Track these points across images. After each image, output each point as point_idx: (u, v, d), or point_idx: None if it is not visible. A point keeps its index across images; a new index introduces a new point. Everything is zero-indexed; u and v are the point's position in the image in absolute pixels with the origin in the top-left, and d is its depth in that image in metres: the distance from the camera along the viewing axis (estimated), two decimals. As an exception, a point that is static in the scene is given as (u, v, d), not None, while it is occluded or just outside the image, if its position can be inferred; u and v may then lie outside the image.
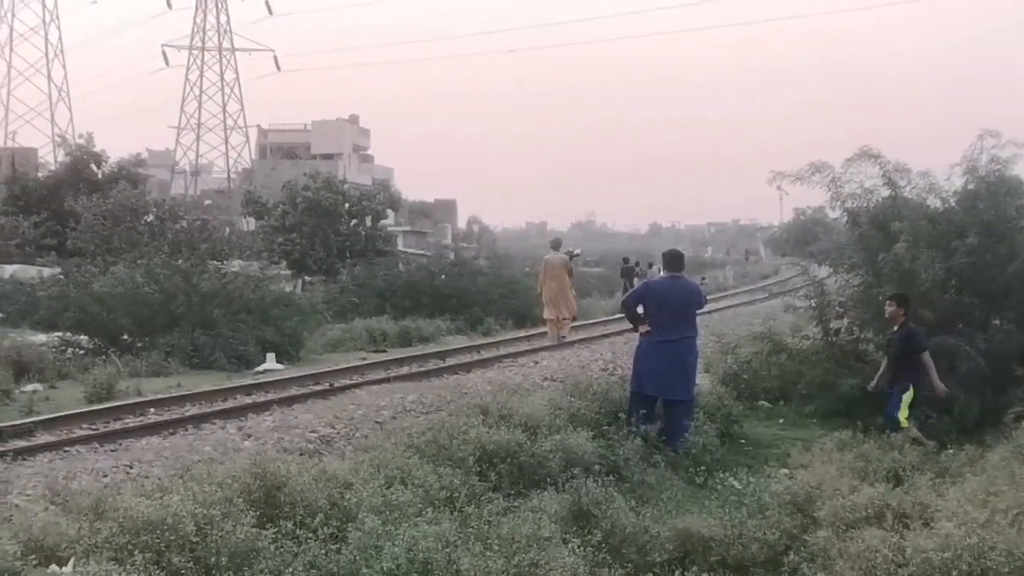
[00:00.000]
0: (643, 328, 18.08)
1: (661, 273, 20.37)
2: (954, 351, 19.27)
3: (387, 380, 24.43)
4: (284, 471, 11.47)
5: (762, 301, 43.82)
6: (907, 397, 17.52)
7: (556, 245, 36.02)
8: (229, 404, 21.63)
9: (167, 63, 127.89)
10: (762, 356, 23.25)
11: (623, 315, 21.25)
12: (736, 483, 14.63)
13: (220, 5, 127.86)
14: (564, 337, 33.15)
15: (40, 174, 75.85)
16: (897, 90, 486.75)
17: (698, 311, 18.80)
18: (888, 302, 18.49)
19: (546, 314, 33.78)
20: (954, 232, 20.46)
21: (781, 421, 20.55)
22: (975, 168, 20.94)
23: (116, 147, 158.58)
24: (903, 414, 17.41)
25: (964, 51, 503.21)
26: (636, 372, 18.08)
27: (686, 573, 10.94)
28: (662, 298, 17.99)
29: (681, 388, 17.72)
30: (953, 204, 21.44)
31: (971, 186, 21.09)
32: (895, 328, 18.18)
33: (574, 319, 34.65)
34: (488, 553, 10.16)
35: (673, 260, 18.75)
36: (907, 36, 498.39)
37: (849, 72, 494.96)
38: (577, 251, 41.71)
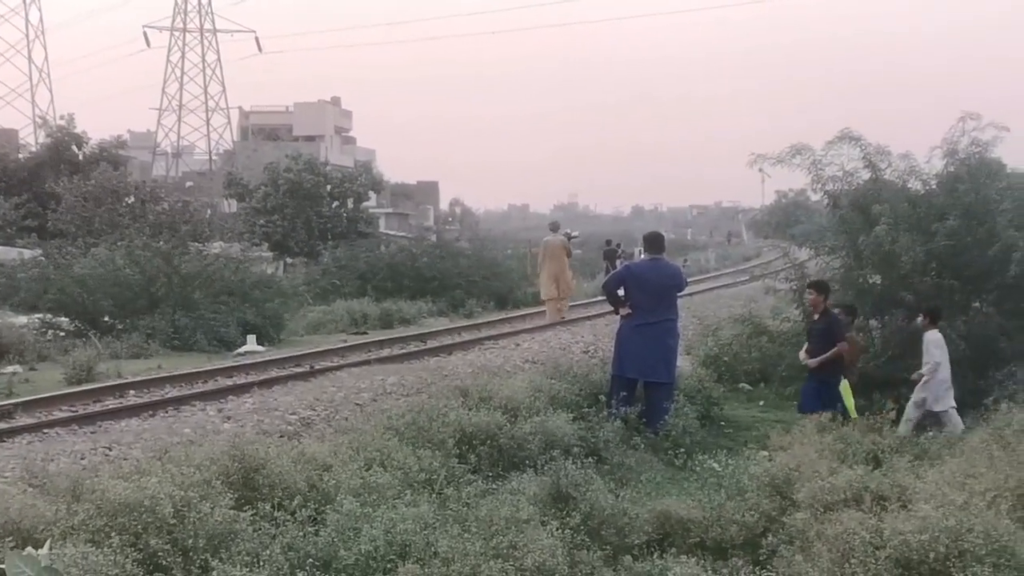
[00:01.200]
0: (624, 311, 18.09)
1: (642, 255, 20.38)
2: (934, 333, 19.31)
3: (368, 362, 24.45)
4: (263, 453, 11.46)
5: (743, 283, 43.96)
6: (844, 388, 17.55)
7: (555, 227, 36.87)
8: (209, 386, 21.63)
9: (148, 44, 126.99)
10: (743, 338, 23.33)
11: (604, 297, 21.26)
12: (715, 465, 14.63)
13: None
14: (563, 316, 33.92)
15: (21, 155, 75.49)
16: (881, 73, 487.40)
17: (679, 294, 18.83)
18: (808, 290, 18.55)
19: (544, 294, 34.59)
20: (935, 215, 20.50)
21: (761, 403, 20.61)
22: (955, 151, 20.98)
23: (97, 128, 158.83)
24: (850, 404, 17.43)
25: (947, 34, 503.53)
26: (617, 355, 18.10)
27: (665, 555, 10.93)
28: (643, 281, 18.00)
29: (662, 370, 17.75)
30: (934, 187, 21.50)
31: (952, 169, 21.13)
32: (816, 316, 18.20)
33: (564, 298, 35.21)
34: (466, 535, 10.15)
35: (654, 242, 18.76)
36: (892, 18, 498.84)
37: (833, 55, 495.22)
38: (575, 233, 42.28)
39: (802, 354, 18.19)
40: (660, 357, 17.76)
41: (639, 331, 17.71)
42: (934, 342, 18.29)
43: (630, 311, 17.98)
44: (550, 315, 34.36)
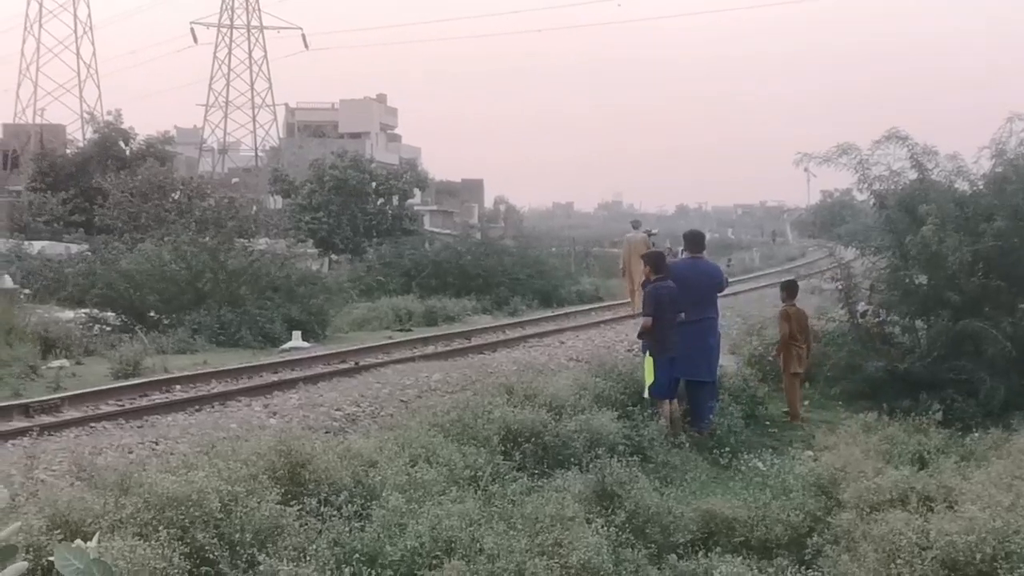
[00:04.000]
0: None
1: (683, 254, 20.32)
2: (981, 334, 19.21)
3: (412, 359, 24.53)
4: (309, 449, 11.50)
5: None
6: (646, 363, 17.41)
7: (636, 225, 37.86)
8: (255, 382, 21.74)
9: (196, 41, 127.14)
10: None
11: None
12: (760, 465, 14.64)
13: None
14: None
15: (68, 151, 76.05)
16: (927, 74, 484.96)
17: (719, 293, 18.77)
18: (645, 265, 18.61)
19: (629, 287, 35.72)
20: (982, 215, 20.34)
21: (806, 403, 20.50)
22: (1004, 151, 20.81)
23: (144, 124, 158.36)
24: (647, 380, 17.31)
25: (995, 35, 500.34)
26: None
27: (709, 554, 10.94)
28: (683, 279, 17.91)
29: (703, 369, 17.70)
30: (981, 187, 21.32)
31: (999, 169, 20.96)
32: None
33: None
34: (512, 532, 10.18)
35: (694, 241, 18.72)
36: (940, 19, 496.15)
37: (880, 56, 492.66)
38: (655, 231, 42.89)
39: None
40: (702, 356, 17.70)
41: (680, 330, 17.65)
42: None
43: None
44: (635, 307, 35.23)
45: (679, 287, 17.84)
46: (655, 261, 18.21)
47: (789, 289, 20.45)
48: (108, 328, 30.88)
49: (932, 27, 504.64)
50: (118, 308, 32.19)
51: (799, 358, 19.63)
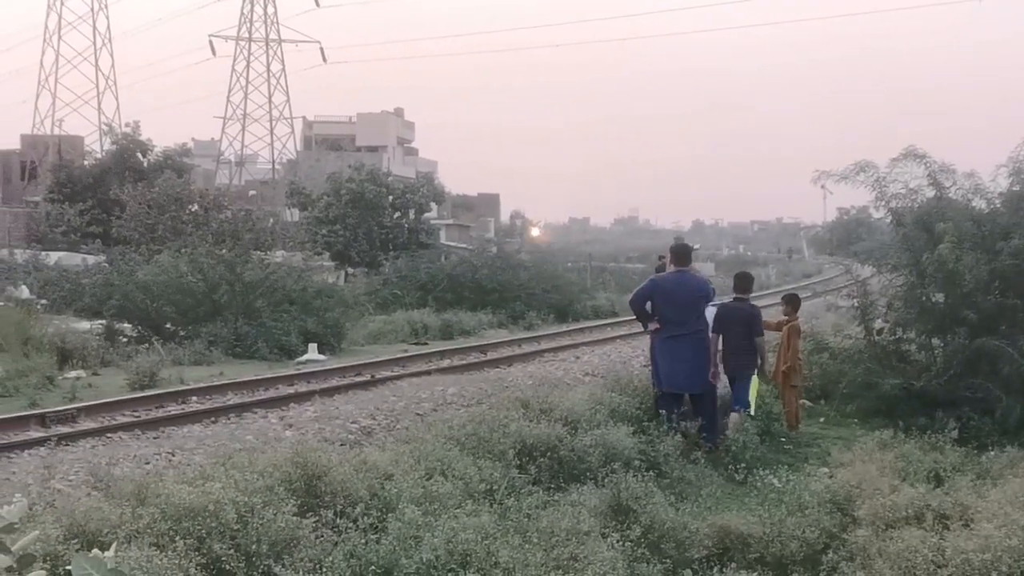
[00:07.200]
0: (652, 325, 17.96)
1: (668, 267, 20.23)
2: (997, 353, 19.17)
3: (428, 372, 24.57)
4: (325, 461, 11.51)
5: (805, 300, 43.81)
6: (753, 382, 17.57)
7: (679, 240, 37.75)
8: (271, 394, 21.78)
9: (214, 53, 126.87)
10: (804, 355, 23.19)
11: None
12: (776, 481, 14.62)
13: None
14: None
15: (86, 162, 76.08)
16: (944, 91, 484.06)
17: (707, 304, 18.64)
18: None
19: None
20: (999, 234, 20.30)
21: (822, 420, 20.49)
22: (1021, 170, 20.78)
23: (162, 136, 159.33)
24: (752, 398, 17.46)
25: (1014, 51, 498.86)
26: (655, 370, 18.02)
27: (724, 570, 10.92)
28: (669, 294, 17.81)
29: (698, 382, 17.60)
30: (999, 206, 21.28)
31: (1017, 187, 20.93)
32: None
33: None
34: (527, 546, 10.17)
35: (680, 254, 18.65)
36: (958, 36, 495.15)
37: (896, 72, 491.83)
38: (696, 246, 42.92)
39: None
40: (695, 369, 17.57)
41: (670, 344, 17.55)
42: None
43: (658, 325, 17.85)
44: None
45: (665, 301, 17.76)
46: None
47: (794, 303, 20.47)
48: (125, 339, 30.92)
49: (952, 44, 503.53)
50: (134, 319, 32.28)
51: (799, 371, 19.72)
